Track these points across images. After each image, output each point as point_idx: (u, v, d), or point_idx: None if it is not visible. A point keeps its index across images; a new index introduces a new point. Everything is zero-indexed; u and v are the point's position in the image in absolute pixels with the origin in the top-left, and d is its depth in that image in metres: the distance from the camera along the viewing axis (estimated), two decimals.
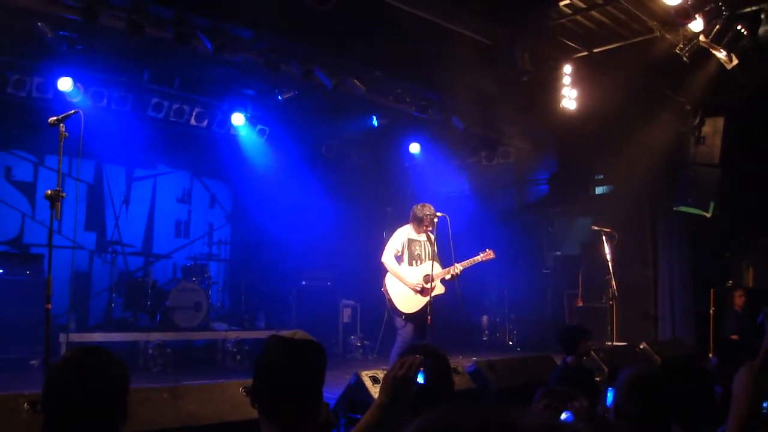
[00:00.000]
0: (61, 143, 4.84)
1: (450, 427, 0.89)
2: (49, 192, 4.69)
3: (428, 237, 7.52)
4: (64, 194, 4.73)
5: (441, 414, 0.92)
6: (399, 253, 7.40)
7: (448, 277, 7.36)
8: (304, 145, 12.89)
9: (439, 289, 7.35)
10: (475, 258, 7.52)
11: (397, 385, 2.20)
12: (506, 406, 0.94)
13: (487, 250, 7.54)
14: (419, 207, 7.46)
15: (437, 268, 7.32)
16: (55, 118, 4.93)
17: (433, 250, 7.46)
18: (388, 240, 7.56)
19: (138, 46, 9.05)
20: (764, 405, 3.59)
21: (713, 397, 3.01)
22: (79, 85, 9.82)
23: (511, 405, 0.95)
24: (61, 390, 2.13)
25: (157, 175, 12.42)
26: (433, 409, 0.94)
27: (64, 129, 4.88)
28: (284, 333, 2.34)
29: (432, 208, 7.42)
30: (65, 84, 9.62)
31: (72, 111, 4.97)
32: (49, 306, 4.66)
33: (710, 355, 9.41)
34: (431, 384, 2.52)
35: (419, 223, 7.42)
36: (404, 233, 7.49)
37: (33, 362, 8.23)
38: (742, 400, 2.13)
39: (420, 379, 2.27)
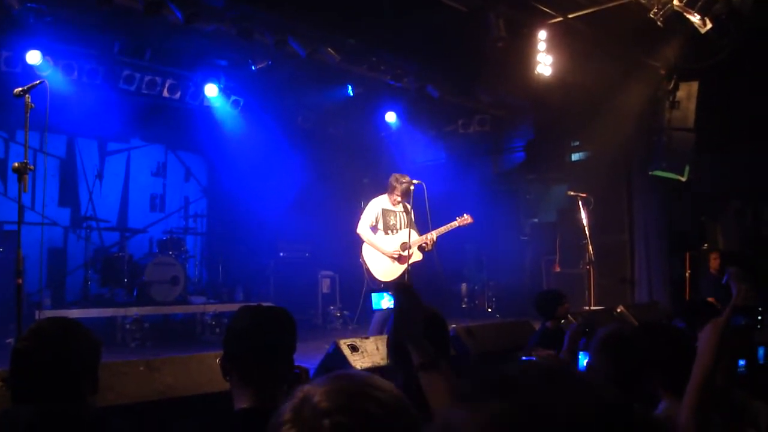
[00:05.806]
0: (27, 115, 4.75)
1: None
2: (16, 165, 4.60)
3: (404, 207, 7.51)
4: (32, 167, 4.64)
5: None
6: (374, 224, 7.39)
7: (424, 245, 7.37)
8: (280, 116, 12.74)
9: (416, 256, 7.37)
10: (452, 223, 7.53)
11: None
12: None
13: (465, 215, 7.55)
14: (397, 176, 7.44)
15: (414, 236, 7.32)
16: (20, 89, 4.84)
17: (409, 219, 7.45)
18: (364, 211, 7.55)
19: (107, 16, 8.87)
20: (740, 363, 3.61)
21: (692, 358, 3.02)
22: (48, 58, 9.60)
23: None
24: (26, 360, 2.09)
25: (130, 149, 12.28)
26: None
27: (30, 100, 4.79)
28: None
29: (408, 178, 7.42)
30: (34, 57, 9.41)
31: (37, 81, 4.87)
32: (20, 281, 4.59)
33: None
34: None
35: (395, 192, 7.40)
36: (378, 204, 7.47)
37: (9, 340, 8.14)
38: (706, 356, 2.16)
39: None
